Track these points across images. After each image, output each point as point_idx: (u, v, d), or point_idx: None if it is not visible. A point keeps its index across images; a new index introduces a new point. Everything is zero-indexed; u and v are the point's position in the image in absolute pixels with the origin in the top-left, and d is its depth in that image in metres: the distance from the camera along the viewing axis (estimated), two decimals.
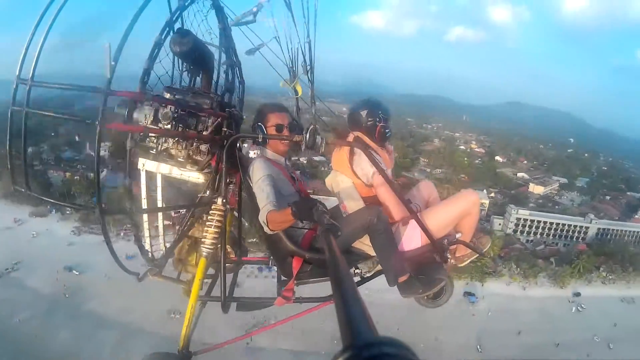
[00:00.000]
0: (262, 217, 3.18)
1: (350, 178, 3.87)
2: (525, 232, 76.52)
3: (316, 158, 71.15)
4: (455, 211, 3.86)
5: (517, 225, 76.02)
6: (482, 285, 58.94)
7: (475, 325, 50.39)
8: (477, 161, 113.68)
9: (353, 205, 3.82)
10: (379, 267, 4.00)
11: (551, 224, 77.94)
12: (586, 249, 69.72)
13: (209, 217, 3.51)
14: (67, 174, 69.36)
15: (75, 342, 38.37)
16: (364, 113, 3.96)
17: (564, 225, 78.36)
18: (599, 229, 79.37)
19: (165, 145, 3.33)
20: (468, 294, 55.96)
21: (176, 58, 3.60)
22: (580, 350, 48.19)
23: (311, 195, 4.02)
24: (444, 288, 4.38)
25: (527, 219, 76.38)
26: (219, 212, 3.47)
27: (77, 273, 47.47)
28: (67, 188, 62.72)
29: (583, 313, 56.18)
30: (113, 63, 2.42)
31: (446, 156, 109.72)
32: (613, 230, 79.78)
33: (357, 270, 4.10)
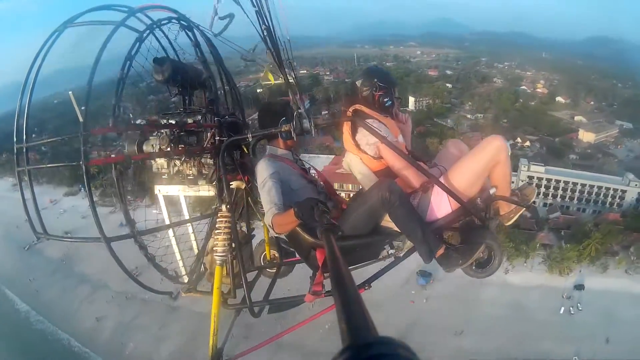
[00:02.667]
0: (267, 221, 2.90)
1: (357, 154, 3.33)
2: (542, 193, 52.64)
3: None
4: (481, 163, 3.10)
5: (530, 184, 52.16)
6: None
7: (407, 316, 33.89)
8: (532, 103, 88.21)
9: (366, 181, 3.32)
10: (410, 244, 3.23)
11: (574, 184, 53.20)
12: (617, 220, 46.43)
13: (217, 225, 3.33)
14: None
15: (60, 294, 43.02)
16: (358, 83, 3.42)
17: (591, 187, 52.96)
18: None
19: (176, 168, 3.31)
20: (422, 273, 38.49)
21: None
22: None
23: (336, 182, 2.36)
24: (492, 253, 3.53)
25: (542, 177, 52.48)
26: (226, 219, 3.31)
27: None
28: None
29: (575, 317, 35.16)
30: (83, 108, 2.53)
31: (494, 99, 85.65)
32: None
33: (390, 251, 3.41)
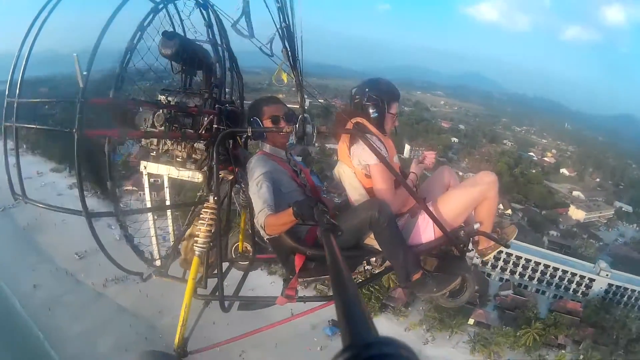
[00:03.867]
0: (259, 222, 2.55)
1: (351, 168, 2.99)
2: (500, 267, 46.50)
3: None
4: (470, 196, 2.91)
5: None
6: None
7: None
8: (533, 171, 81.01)
9: (357, 197, 3.00)
10: (388, 263, 3.03)
11: (537, 264, 45.88)
12: (576, 310, 39.85)
13: (201, 215, 3.00)
14: None
15: (14, 256, 43.14)
16: (353, 91, 3.07)
17: (556, 269, 45.47)
18: (610, 285, 44.71)
19: (166, 146, 3.00)
20: (334, 322, 33.31)
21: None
22: None
23: (323, 187, 3.36)
24: (465, 284, 3.21)
25: (502, 251, 46.90)
26: (211, 210, 2.96)
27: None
28: None
29: None
30: (85, 73, 2.19)
31: (492, 160, 79.01)
32: (635, 291, 44.65)
33: (367, 267, 3.18)
